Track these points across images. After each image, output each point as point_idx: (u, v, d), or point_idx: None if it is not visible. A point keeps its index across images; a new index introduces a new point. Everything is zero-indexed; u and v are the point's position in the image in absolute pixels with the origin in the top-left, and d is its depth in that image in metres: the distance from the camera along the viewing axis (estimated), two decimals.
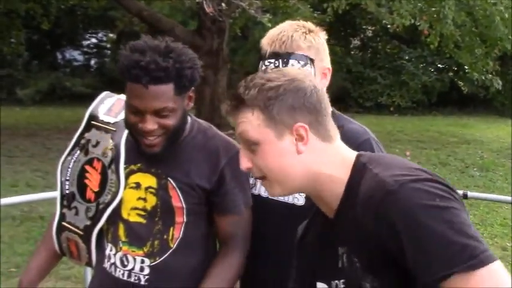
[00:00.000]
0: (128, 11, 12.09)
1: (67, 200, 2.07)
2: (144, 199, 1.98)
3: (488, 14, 10.96)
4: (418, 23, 11.02)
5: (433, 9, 11.06)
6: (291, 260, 2.02)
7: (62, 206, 2.08)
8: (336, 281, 1.46)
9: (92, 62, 22.94)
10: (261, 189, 2.13)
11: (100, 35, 22.88)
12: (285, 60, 2.00)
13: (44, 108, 16.41)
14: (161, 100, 1.84)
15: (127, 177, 1.99)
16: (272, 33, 2.08)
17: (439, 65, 18.47)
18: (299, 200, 2.05)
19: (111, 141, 2.04)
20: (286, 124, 1.43)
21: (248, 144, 1.46)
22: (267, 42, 2.06)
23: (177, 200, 1.96)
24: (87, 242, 2.03)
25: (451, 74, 18.10)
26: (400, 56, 18.52)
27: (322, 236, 1.53)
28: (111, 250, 2.01)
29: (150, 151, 1.92)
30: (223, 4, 7.37)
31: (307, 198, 1.98)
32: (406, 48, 18.51)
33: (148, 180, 1.98)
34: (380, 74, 18.02)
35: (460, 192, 4.24)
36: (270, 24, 8.84)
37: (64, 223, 2.08)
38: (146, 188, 1.98)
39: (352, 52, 20.42)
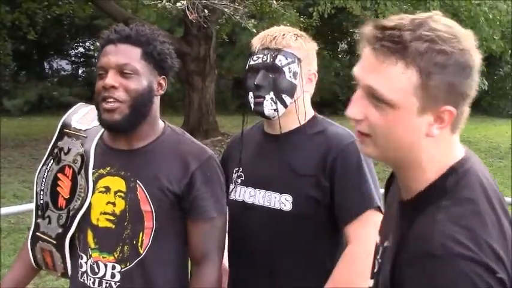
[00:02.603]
0: (114, 19, 12.06)
1: (41, 209, 2.06)
2: (113, 203, 1.95)
3: (472, 15, 11.03)
4: None
5: (418, 11, 11.08)
6: (278, 266, 2.02)
7: (37, 216, 2.07)
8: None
9: (80, 71, 22.92)
10: (244, 195, 2.10)
11: (87, 44, 22.86)
12: (274, 54, 2.02)
13: (32, 119, 16.36)
14: (125, 56, 1.90)
15: (96, 181, 1.97)
16: (263, 33, 2.11)
17: None
18: (286, 205, 2.02)
19: (81, 147, 2.03)
20: (436, 101, 1.18)
21: (377, 99, 1.20)
22: (257, 39, 2.09)
23: (146, 204, 1.93)
24: (61, 250, 2.01)
25: None
26: None
27: (391, 205, 1.43)
28: (82, 258, 1.98)
29: (109, 118, 1.89)
30: (206, 11, 7.36)
31: (295, 204, 2.00)
32: None
33: (117, 183, 1.95)
34: None
35: None
36: (255, 30, 8.87)
37: (38, 233, 2.06)
38: (115, 192, 1.95)
39: (340, 56, 20.48)
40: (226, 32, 15.06)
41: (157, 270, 1.95)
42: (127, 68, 1.89)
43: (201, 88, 12.86)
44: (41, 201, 2.06)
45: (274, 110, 2.03)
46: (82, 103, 2.20)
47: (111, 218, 1.95)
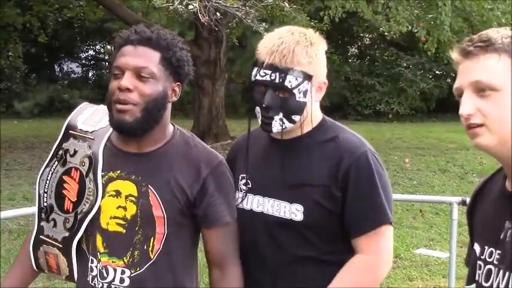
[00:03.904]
0: (125, 22, 12.07)
1: (45, 212, 2.00)
2: (124, 208, 1.91)
3: (485, 20, 10.95)
4: (416, 30, 11.01)
5: (430, 15, 11.05)
6: (287, 276, 1.99)
7: (40, 219, 2.02)
8: (492, 249, 1.48)
9: (90, 74, 22.96)
10: (252, 203, 2.04)
11: (98, 46, 22.91)
12: (283, 75, 1.91)
13: (42, 121, 16.38)
14: (144, 59, 1.88)
15: (106, 185, 1.94)
16: (272, 42, 1.95)
17: (436, 72, 18.47)
18: (296, 215, 1.96)
19: (88, 149, 1.99)
20: None
21: (483, 89, 1.42)
22: (265, 52, 1.94)
23: (158, 209, 1.90)
24: (67, 254, 1.97)
25: (449, 80, 18.08)
26: (398, 63, 18.52)
27: (496, 203, 1.53)
28: (92, 262, 1.95)
29: (121, 119, 1.86)
30: (218, 14, 7.35)
31: (306, 214, 1.95)
32: (404, 55, 18.50)
33: (128, 187, 1.93)
34: (378, 82, 18.01)
35: (459, 198, 4.20)
36: (266, 34, 8.83)
37: (42, 236, 2.01)
38: (126, 196, 1.92)
39: (350, 60, 20.44)
40: (236, 36, 15.06)
41: (167, 276, 1.93)
42: (144, 71, 1.86)
43: (211, 92, 12.83)
44: (45, 204, 2.01)
45: (283, 128, 1.98)
46: (86, 103, 2.16)
47: (122, 222, 1.92)
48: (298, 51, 1.92)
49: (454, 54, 1.49)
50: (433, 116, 18.22)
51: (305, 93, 1.95)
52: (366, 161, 1.95)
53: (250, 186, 2.06)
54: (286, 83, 1.92)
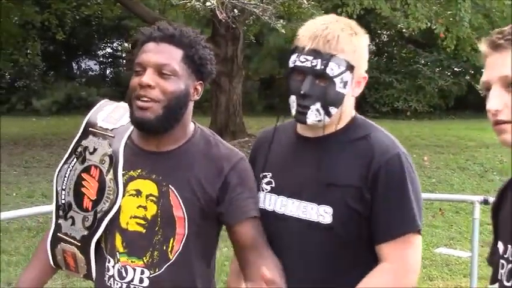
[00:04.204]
0: (142, 19, 12.09)
1: (63, 210, 1.98)
2: (145, 207, 1.89)
3: (505, 16, 10.84)
4: (434, 27, 10.92)
5: (449, 12, 10.95)
6: (312, 280, 1.88)
7: (58, 216, 1.99)
8: None
9: (108, 71, 23.05)
10: (275, 204, 1.94)
11: (115, 44, 22.99)
12: (325, 61, 1.79)
13: (60, 119, 16.47)
14: (166, 56, 1.85)
15: (126, 184, 1.91)
16: (315, 27, 1.84)
17: (455, 69, 18.31)
18: (325, 218, 1.84)
19: (109, 147, 1.96)
20: None
21: (511, 84, 1.39)
22: (308, 36, 1.83)
23: (179, 209, 1.87)
24: (86, 253, 1.94)
25: (467, 77, 17.93)
26: (416, 60, 18.39)
27: None
28: (109, 262, 1.92)
29: (142, 116, 1.83)
30: (235, 10, 7.31)
31: (336, 217, 1.83)
32: (422, 52, 18.37)
33: (149, 187, 1.90)
34: (396, 79, 17.89)
35: (481, 197, 4.14)
36: (284, 31, 8.80)
37: (60, 234, 1.99)
38: (147, 196, 1.89)
39: (367, 57, 20.32)
40: (253, 33, 15.01)
41: (185, 277, 1.90)
42: (166, 68, 1.84)
43: (228, 89, 12.82)
44: (63, 201, 1.98)
45: (319, 121, 1.85)
46: (106, 100, 2.13)
47: (142, 222, 1.89)
48: (342, 38, 1.82)
49: (483, 47, 1.45)
50: (451, 113, 18.08)
51: (345, 84, 1.84)
52: (398, 163, 1.84)
53: (273, 185, 1.96)
54: (328, 70, 1.80)
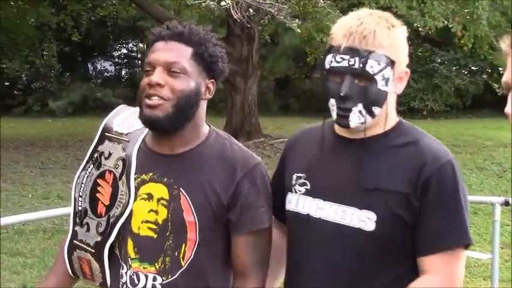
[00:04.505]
0: (157, 20, 12.09)
1: (79, 217, 1.95)
2: (156, 211, 1.83)
3: None
4: (451, 25, 10.81)
5: (466, 10, 10.84)
6: None
7: (75, 223, 1.96)
8: None
9: (123, 72, 23.14)
10: (310, 207, 1.80)
11: (130, 45, 23.08)
12: (363, 59, 1.68)
13: (76, 120, 16.55)
14: (176, 55, 1.81)
15: (138, 187, 1.86)
16: (349, 23, 1.72)
17: (472, 67, 18.17)
18: (367, 224, 1.70)
19: (122, 151, 1.92)
20: None
21: None
22: (342, 34, 1.71)
23: (190, 214, 1.81)
24: (100, 260, 1.90)
25: (484, 76, 17.77)
26: (432, 59, 18.28)
27: None
28: (122, 268, 1.88)
29: (151, 114, 1.79)
30: (250, 10, 7.28)
31: (380, 224, 1.70)
32: (438, 51, 18.25)
33: (160, 190, 1.85)
34: (412, 78, 17.74)
35: (501, 199, 4.06)
36: (299, 30, 8.76)
37: (75, 241, 1.96)
38: (158, 200, 1.84)
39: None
40: (269, 33, 14.96)
41: (199, 284, 1.84)
42: (176, 66, 1.80)
43: (244, 89, 12.80)
44: (79, 208, 1.95)
45: (362, 123, 1.73)
46: (124, 105, 2.10)
47: (153, 227, 1.84)
48: (379, 33, 1.70)
49: (503, 45, 1.38)
50: (468, 112, 17.94)
51: (387, 81, 1.72)
52: (451, 171, 1.71)
53: (308, 187, 1.82)
54: (368, 68, 1.68)
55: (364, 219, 1.71)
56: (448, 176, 1.71)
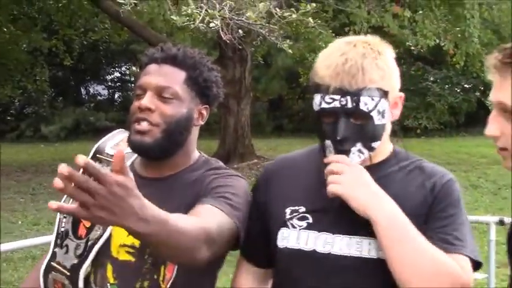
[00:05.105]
0: (149, 43, 12.08)
1: (60, 238, 1.89)
2: None
3: None
4: (443, 43, 10.84)
5: (458, 28, 10.88)
6: None
7: (55, 244, 1.90)
8: None
9: (116, 95, 23.12)
10: (316, 243, 1.65)
11: (123, 68, 23.10)
12: (355, 98, 1.57)
13: (68, 144, 16.48)
14: (168, 79, 1.74)
15: None
16: (334, 61, 1.60)
17: (465, 85, 18.21)
18: (371, 251, 1.61)
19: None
20: None
21: (508, 111, 1.30)
22: (328, 74, 1.59)
23: None
24: (75, 283, 1.82)
25: (477, 93, 17.81)
26: (425, 77, 18.33)
27: None
28: None
29: (140, 140, 1.73)
30: (240, 31, 7.26)
31: None
32: (431, 70, 18.31)
33: None
34: (406, 97, 17.71)
35: (496, 218, 4.00)
36: (291, 51, 8.73)
37: (53, 263, 1.89)
38: None
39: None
40: (261, 54, 14.98)
41: None
42: (167, 91, 1.73)
43: (237, 111, 12.79)
44: (62, 229, 1.89)
45: (363, 160, 1.63)
46: (121, 129, 2.04)
47: (131, 250, 1.77)
48: (368, 67, 1.59)
49: (488, 64, 1.35)
50: (462, 130, 17.95)
51: (383, 113, 1.62)
52: (455, 186, 1.67)
53: (310, 221, 1.67)
54: (362, 106, 1.58)
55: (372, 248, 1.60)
56: (454, 188, 1.66)
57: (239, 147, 12.73)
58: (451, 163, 12.07)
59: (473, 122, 17.70)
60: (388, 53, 1.67)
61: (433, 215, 1.62)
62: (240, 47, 9.16)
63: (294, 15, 7.30)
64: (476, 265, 1.63)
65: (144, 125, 1.73)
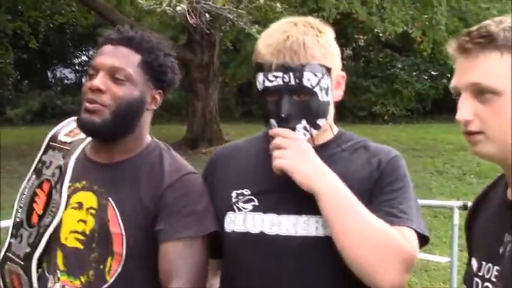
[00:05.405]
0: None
1: (16, 228, 1.86)
2: (85, 221, 1.73)
3: (481, 19, 10.85)
4: (411, 30, 10.93)
5: (425, 16, 10.96)
6: None
7: (12, 235, 1.88)
8: (489, 265, 1.33)
9: (83, 79, 22.79)
10: (264, 225, 1.63)
11: (90, 52, 22.77)
12: (298, 74, 1.57)
13: (34, 128, 16.21)
14: (122, 61, 1.73)
15: (70, 196, 1.77)
16: (275, 39, 1.61)
17: (432, 72, 18.36)
18: (319, 229, 1.60)
19: (61, 160, 1.84)
20: None
21: (482, 92, 1.27)
22: (270, 52, 1.60)
23: (116, 225, 1.70)
24: (28, 272, 1.80)
25: (444, 80, 17.97)
26: (393, 64, 18.41)
27: (495, 213, 1.39)
28: (50, 282, 1.77)
29: (88, 119, 1.70)
30: (207, 15, 7.22)
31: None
32: (399, 57, 18.41)
33: (89, 199, 1.75)
34: (373, 83, 17.90)
35: (460, 203, 4.06)
36: (259, 36, 8.71)
37: (8, 253, 1.87)
38: (87, 209, 1.75)
39: (345, 62, 20.31)
40: (230, 39, 14.92)
41: None
42: (120, 73, 1.71)
43: (205, 96, 12.73)
44: (17, 219, 1.87)
45: (307, 140, 1.63)
46: (76, 117, 2.02)
47: (81, 237, 1.74)
48: (309, 44, 1.60)
49: (450, 49, 1.34)
50: (429, 117, 18.12)
51: (327, 90, 1.63)
52: (401, 162, 1.69)
53: (255, 203, 1.66)
54: (305, 82, 1.58)
55: (318, 226, 1.60)
56: (400, 164, 1.68)
57: (207, 132, 12.69)
58: (418, 149, 12.20)
59: (440, 109, 17.89)
60: (329, 32, 1.69)
61: (379, 189, 1.63)
62: (208, 31, 9.11)
63: (261, 0, 7.27)
64: (424, 240, 1.65)
65: (94, 105, 1.71)
